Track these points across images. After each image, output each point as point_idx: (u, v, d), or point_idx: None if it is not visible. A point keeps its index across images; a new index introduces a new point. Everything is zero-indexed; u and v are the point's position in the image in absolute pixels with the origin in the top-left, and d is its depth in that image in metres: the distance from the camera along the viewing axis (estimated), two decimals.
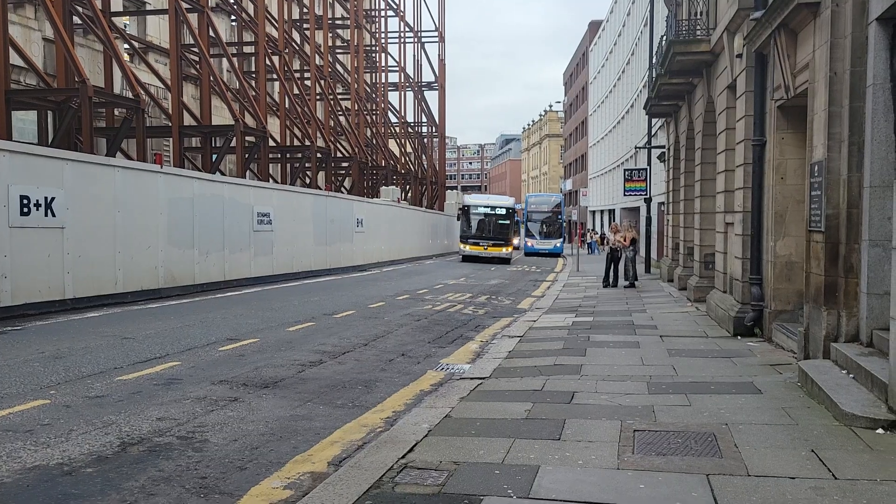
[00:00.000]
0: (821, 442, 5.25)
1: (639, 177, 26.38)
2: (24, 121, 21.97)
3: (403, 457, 5.08)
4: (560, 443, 5.38)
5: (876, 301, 6.91)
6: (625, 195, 28.45)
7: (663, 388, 7.31)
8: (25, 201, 12.54)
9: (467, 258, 36.04)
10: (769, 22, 9.17)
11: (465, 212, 37.30)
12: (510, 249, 36.32)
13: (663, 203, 25.72)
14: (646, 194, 26.72)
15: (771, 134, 10.11)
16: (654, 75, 19.69)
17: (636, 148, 34.14)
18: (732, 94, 12.29)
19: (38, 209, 12.70)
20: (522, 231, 46.31)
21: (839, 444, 5.19)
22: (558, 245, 44.74)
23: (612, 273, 20.53)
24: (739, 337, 10.65)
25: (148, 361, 8.70)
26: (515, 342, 10.70)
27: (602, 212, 59.46)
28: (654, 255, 28.82)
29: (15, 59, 19.33)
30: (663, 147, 24.67)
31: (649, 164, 27.35)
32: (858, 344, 7.33)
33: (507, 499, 4.28)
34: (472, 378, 8.05)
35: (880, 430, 5.34)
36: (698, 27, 14.52)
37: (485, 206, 37.14)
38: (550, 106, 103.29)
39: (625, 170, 28.36)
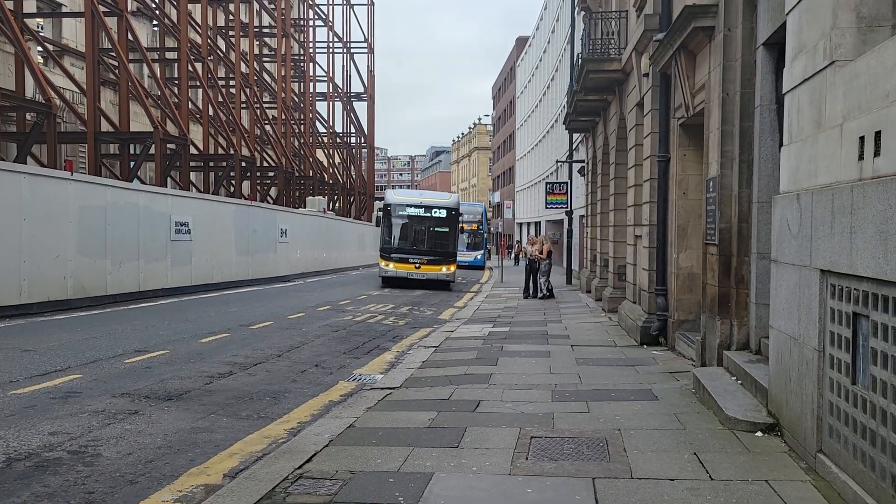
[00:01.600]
0: (704, 445, 5.50)
1: (560, 190, 26.99)
2: None
3: (300, 467, 5.08)
4: (458, 450, 5.48)
5: (763, 311, 7.28)
6: (546, 207, 29.04)
7: (567, 395, 7.51)
8: None
9: (390, 281, 25.69)
10: (670, 43, 9.58)
11: (387, 213, 26.21)
12: (452, 269, 25.58)
13: (584, 216, 26.38)
14: (567, 207, 27.31)
15: (674, 150, 10.54)
16: (571, 91, 20.21)
17: (558, 162, 34.83)
18: (641, 111, 12.75)
19: None
20: None
21: (720, 446, 5.45)
22: (479, 257, 43.01)
23: (531, 284, 20.89)
24: (645, 346, 11.03)
25: (47, 374, 8.41)
26: (430, 352, 10.79)
27: (529, 224, 60.39)
28: (575, 266, 29.47)
29: None
30: (583, 161, 25.32)
31: (570, 177, 28.01)
32: (748, 352, 7.72)
33: None
34: (382, 388, 8.08)
35: (759, 433, 5.64)
36: (612, 46, 15.02)
37: (416, 207, 26.15)
38: (479, 119, 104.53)
39: (546, 183, 28.97)
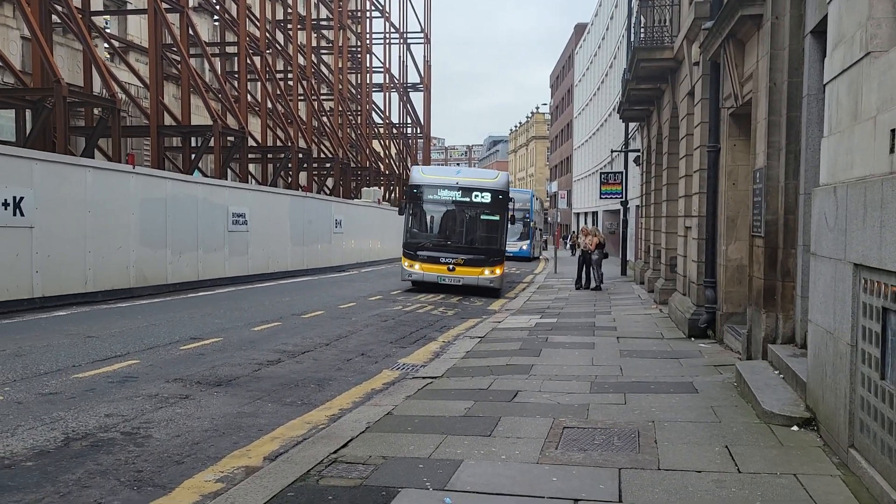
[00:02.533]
0: (736, 438, 5.48)
1: (614, 180, 26.70)
2: (4, 118, 22.00)
3: (335, 452, 5.27)
4: (489, 439, 5.58)
5: (808, 304, 7.15)
6: (600, 198, 28.74)
7: (605, 387, 7.53)
8: None
9: (417, 285, 20.01)
10: (719, 32, 9.43)
11: (413, 198, 20.24)
12: (498, 272, 19.58)
13: (639, 206, 26.04)
14: (621, 197, 26.99)
15: (724, 141, 10.37)
16: (624, 80, 19.96)
17: (612, 152, 34.29)
18: (692, 100, 12.56)
19: (6, 209, 12.79)
20: None
21: (753, 440, 5.42)
22: (524, 248, 39.50)
23: (583, 275, 20.77)
24: (693, 338, 10.90)
25: (107, 360, 8.84)
26: (475, 343, 10.90)
27: (587, 214, 59.77)
28: (631, 257, 29.13)
29: None
30: (639, 151, 24.98)
31: (626, 167, 27.66)
32: (793, 345, 7.59)
33: (423, 491, 4.48)
34: (423, 377, 8.23)
35: (795, 428, 5.58)
36: (665, 34, 14.79)
37: (451, 189, 19.98)
38: (537, 108, 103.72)
39: (601, 173, 28.67)
